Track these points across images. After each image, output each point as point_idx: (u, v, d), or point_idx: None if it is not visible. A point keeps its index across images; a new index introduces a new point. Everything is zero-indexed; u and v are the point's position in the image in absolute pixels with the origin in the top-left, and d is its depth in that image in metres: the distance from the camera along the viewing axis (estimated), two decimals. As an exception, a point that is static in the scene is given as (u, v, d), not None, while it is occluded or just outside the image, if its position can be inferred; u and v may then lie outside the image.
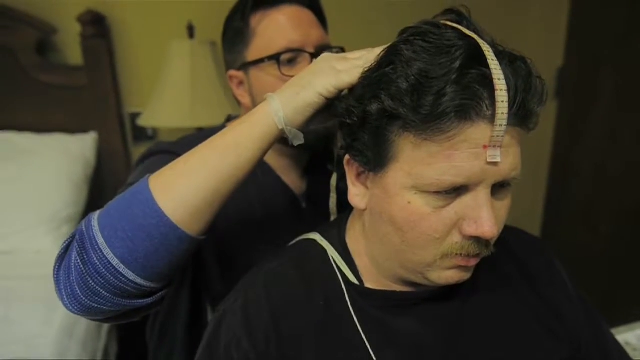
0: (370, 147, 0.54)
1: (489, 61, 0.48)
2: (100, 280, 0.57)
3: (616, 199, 1.91)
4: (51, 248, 1.54)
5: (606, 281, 1.96)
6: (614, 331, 1.01)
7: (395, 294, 0.62)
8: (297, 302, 0.62)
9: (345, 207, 0.67)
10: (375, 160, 0.54)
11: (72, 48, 1.72)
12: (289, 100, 0.60)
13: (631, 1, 1.75)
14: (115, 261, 0.57)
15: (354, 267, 0.63)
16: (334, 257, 0.65)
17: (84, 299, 0.58)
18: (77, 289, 0.58)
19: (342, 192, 0.64)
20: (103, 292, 0.58)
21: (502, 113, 0.47)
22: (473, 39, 0.50)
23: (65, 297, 0.59)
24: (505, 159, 0.49)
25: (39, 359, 1.15)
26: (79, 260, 0.57)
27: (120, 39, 1.76)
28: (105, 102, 1.76)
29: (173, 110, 1.59)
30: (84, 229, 0.59)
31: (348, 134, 0.57)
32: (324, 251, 0.66)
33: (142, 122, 1.67)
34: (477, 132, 0.48)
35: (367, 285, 0.62)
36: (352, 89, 0.58)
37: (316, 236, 0.68)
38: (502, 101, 0.47)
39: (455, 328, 0.61)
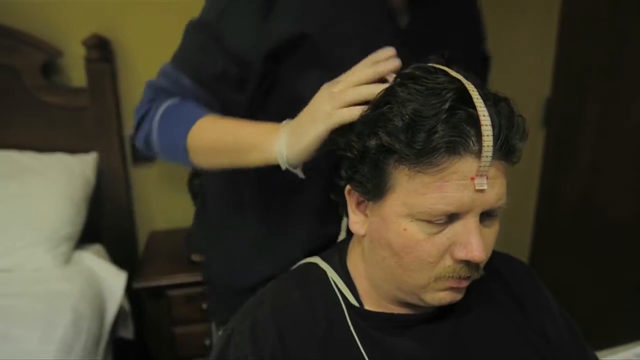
0: (369, 179, 0.59)
1: (475, 100, 0.54)
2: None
3: (601, 226, 1.98)
4: (50, 266, 1.56)
5: (591, 305, 2.02)
6: (611, 351, 1.06)
7: (393, 315, 0.66)
8: (302, 322, 0.66)
9: None
10: (374, 190, 0.59)
11: (76, 70, 1.76)
12: (293, 143, 0.65)
13: (614, 38, 1.84)
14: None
15: (354, 290, 0.68)
16: (334, 280, 0.69)
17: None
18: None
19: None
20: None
21: (488, 146, 0.53)
22: (461, 82, 0.55)
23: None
24: (491, 189, 0.55)
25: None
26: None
27: (123, 63, 1.81)
28: (106, 124, 1.80)
29: (174, 133, 1.63)
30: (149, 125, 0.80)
31: (349, 166, 0.62)
32: (324, 274, 0.70)
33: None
34: (465, 165, 0.54)
35: (367, 307, 0.67)
36: (352, 125, 0.63)
37: (317, 260, 0.73)
38: (488, 135, 0.53)
39: (450, 347, 0.65)
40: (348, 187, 0.64)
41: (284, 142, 0.65)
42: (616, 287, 1.95)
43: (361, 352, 0.63)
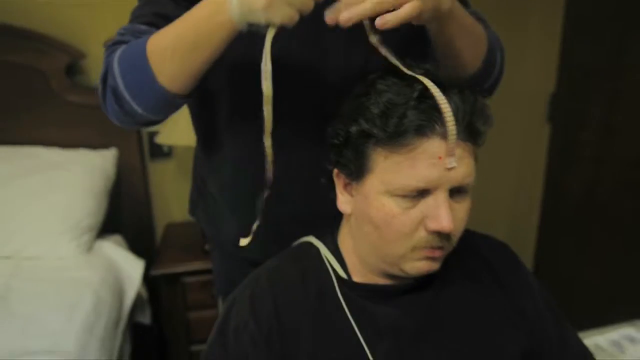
0: (352, 161, 0.67)
1: (433, 91, 0.61)
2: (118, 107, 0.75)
3: (603, 219, 2.02)
4: (73, 254, 1.66)
5: (597, 296, 2.05)
6: (585, 334, 1.11)
7: (378, 286, 0.73)
8: (296, 293, 0.73)
9: None
10: (357, 172, 0.67)
11: (98, 71, 1.84)
12: None
13: (618, 36, 1.88)
14: (126, 94, 0.73)
15: (344, 264, 0.75)
16: (326, 256, 0.77)
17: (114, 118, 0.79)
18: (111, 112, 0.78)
19: None
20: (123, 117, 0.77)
21: (452, 128, 0.61)
22: (434, 74, 0.64)
23: (109, 113, 0.79)
24: (458, 167, 0.62)
25: (63, 350, 1.27)
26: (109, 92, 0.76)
27: (142, 64, 1.91)
28: (126, 121, 1.90)
29: (188, 129, 1.71)
30: (111, 71, 0.74)
31: (335, 152, 0.70)
32: (318, 251, 0.78)
33: (159, 140, 1.81)
34: (433, 145, 0.61)
35: (355, 279, 0.74)
36: (340, 115, 0.70)
37: (312, 239, 0.80)
38: (450, 120, 0.61)
39: (429, 315, 0.73)
40: (336, 170, 0.72)
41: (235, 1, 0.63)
42: (616, 278, 1.99)
43: (349, 319, 0.71)
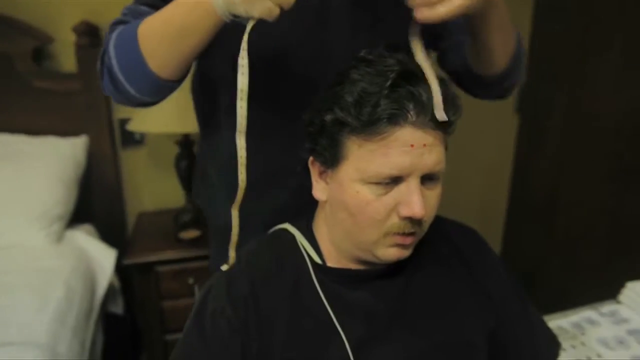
0: (327, 149, 0.68)
1: (420, 61, 0.64)
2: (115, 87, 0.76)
3: (568, 204, 2.09)
4: (43, 244, 1.63)
5: (560, 281, 2.13)
6: (549, 317, 1.16)
7: (352, 271, 0.75)
8: (272, 278, 0.75)
9: None
10: (331, 159, 0.68)
11: (66, 56, 1.82)
12: None
13: (583, 30, 1.93)
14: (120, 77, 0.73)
15: (319, 250, 0.77)
16: (302, 242, 0.78)
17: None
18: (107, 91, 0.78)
19: None
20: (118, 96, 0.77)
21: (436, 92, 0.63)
22: (404, 64, 0.65)
23: (105, 91, 0.79)
24: (429, 155, 0.64)
25: (35, 341, 1.25)
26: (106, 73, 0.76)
27: (112, 49, 1.87)
28: (96, 108, 1.86)
29: (161, 116, 1.70)
30: (107, 51, 0.75)
31: (311, 140, 0.71)
32: (293, 237, 0.79)
33: (131, 127, 1.79)
34: (405, 134, 0.63)
35: (329, 264, 0.76)
36: (314, 104, 0.71)
37: (287, 226, 0.81)
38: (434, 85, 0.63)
39: (401, 300, 0.75)
40: (311, 158, 0.73)
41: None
42: (579, 264, 2.07)
43: (324, 303, 0.72)
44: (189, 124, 1.70)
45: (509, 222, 2.45)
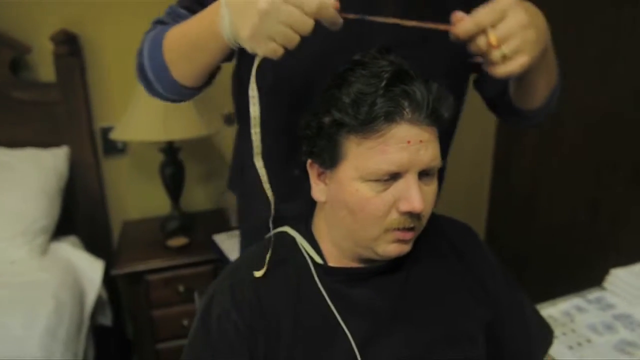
0: (325, 150, 0.69)
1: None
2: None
3: (548, 195, 2.15)
4: (26, 258, 1.60)
5: (544, 268, 2.20)
6: (540, 306, 1.19)
7: (353, 269, 0.76)
8: (275, 281, 0.75)
9: None
10: (330, 160, 0.69)
11: (45, 65, 1.80)
12: (236, 25, 0.65)
13: (563, 24, 1.98)
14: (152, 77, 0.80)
15: (319, 251, 0.78)
16: (302, 244, 0.79)
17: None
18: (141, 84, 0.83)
19: None
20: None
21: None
22: (398, 65, 0.67)
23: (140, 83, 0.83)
24: (425, 151, 0.66)
25: (28, 356, 1.23)
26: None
27: (92, 57, 1.85)
28: (76, 118, 1.84)
29: (145, 124, 1.69)
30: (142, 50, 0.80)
31: (308, 143, 0.72)
32: (293, 240, 0.80)
33: (114, 135, 1.77)
34: (402, 130, 0.65)
35: (330, 264, 0.77)
36: (310, 107, 0.72)
37: (287, 229, 0.82)
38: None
39: (401, 295, 0.76)
40: (309, 161, 0.74)
41: (227, 21, 0.65)
42: (560, 251, 2.13)
43: (327, 302, 0.73)
44: (173, 131, 1.70)
45: (491, 217, 2.51)
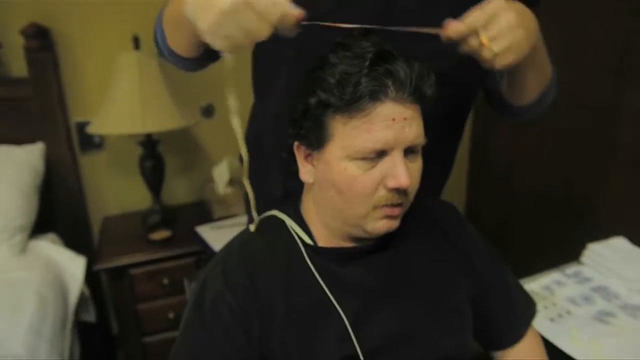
0: (312, 132, 0.70)
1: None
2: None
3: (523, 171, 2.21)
4: (6, 256, 1.57)
5: (520, 243, 2.27)
6: (522, 281, 1.22)
7: (342, 249, 0.78)
8: (267, 263, 0.76)
9: None
10: (317, 141, 0.71)
11: (16, 61, 1.75)
12: (199, 18, 0.64)
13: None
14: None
15: (309, 232, 0.79)
16: (292, 226, 0.80)
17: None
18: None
19: None
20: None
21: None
22: (380, 45, 0.68)
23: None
24: (409, 128, 0.68)
25: (13, 355, 1.21)
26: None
27: (65, 51, 1.81)
28: (51, 113, 1.80)
29: (123, 118, 1.67)
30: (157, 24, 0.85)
31: (294, 125, 0.73)
32: (283, 222, 0.81)
33: (91, 130, 1.74)
34: (386, 109, 0.66)
35: (320, 244, 0.78)
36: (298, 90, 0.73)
37: (275, 212, 0.83)
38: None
39: (390, 273, 0.78)
40: (296, 143, 0.74)
41: (190, 10, 0.64)
42: (539, 227, 2.19)
43: (318, 281, 0.75)
44: (151, 124, 1.68)
45: (470, 195, 2.58)
